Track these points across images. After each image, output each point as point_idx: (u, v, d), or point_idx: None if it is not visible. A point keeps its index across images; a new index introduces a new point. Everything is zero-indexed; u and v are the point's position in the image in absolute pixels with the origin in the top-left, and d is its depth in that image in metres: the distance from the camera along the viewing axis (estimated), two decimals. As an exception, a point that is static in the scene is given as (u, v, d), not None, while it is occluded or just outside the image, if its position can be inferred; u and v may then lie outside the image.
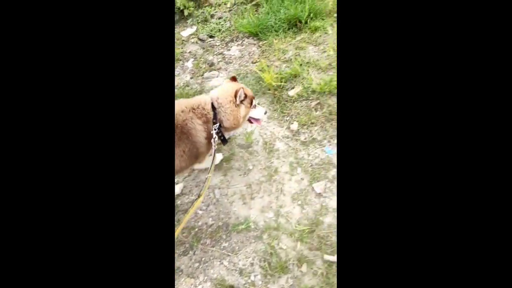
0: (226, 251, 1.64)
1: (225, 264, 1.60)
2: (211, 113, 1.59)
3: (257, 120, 1.82)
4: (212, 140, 1.58)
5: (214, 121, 1.59)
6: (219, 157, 2.02)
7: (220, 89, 1.70)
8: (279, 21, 2.60)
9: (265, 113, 1.81)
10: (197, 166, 1.81)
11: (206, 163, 1.85)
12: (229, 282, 1.54)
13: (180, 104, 1.59)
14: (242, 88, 1.62)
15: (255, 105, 1.76)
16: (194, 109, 1.58)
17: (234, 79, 1.81)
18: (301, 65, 2.35)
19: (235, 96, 1.61)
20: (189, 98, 1.75)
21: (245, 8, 2.89)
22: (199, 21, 2.97)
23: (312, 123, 2.06)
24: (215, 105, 1.61)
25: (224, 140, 1.67)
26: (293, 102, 2.19)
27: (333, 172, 1.84)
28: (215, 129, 1.58)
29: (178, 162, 1.53)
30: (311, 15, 2.58)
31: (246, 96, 1.64)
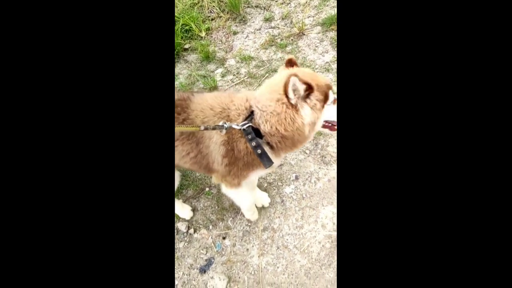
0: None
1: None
2: (244, 113, 1.08)
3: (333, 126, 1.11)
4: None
5: (247, 124, 1.04)
6: (264, 199, 1.61)
7: (264, 85, 1.13)
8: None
9: None
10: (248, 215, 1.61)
11: (252, 214, 1.60)
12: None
13: (213, 99, 1.14)
14: (295, 75, 0.95)
15: (335, 99, 1.06)
16: (224, 110, 1.10)
17: (291, 63, 1.12)
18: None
19: (285, 90, 0.98)
20: (221, 92, 1.32)
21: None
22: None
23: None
24: (255, 109, 1.06)
25: (263, 156, 1.04)
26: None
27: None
28: (245, 127, 1.03)
29: (177, 159, 1.17)
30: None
31: (309, 87, 0.98)
